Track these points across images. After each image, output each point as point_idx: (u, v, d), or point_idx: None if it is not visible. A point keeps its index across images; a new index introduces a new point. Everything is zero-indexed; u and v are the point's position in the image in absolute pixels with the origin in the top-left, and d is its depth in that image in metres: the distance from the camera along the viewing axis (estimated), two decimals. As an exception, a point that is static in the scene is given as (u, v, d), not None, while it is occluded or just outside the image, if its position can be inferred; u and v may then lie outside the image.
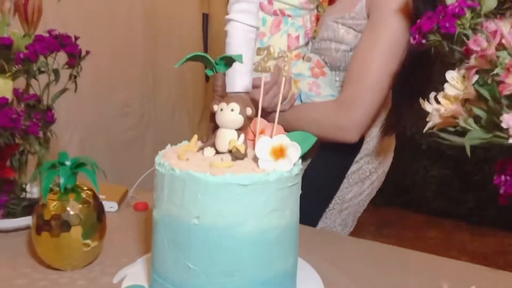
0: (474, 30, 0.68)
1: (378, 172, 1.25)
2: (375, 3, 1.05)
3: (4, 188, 0.93)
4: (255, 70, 0.76)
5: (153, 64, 2.60)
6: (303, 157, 1.18)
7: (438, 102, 0.74)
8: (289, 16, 1.09)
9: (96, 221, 0.83)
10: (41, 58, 0.92)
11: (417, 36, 0.72)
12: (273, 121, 0.74)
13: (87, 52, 0.97)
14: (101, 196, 0.98)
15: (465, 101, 0.74)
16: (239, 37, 0.97)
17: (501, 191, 0.70)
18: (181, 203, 0.66)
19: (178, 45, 2.74)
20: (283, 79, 0.74)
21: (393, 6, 1.01)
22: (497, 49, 0.65)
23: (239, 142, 0.71)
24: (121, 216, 1.09)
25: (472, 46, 0.66)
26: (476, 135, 0.73)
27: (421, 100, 0.76)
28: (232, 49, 0.98)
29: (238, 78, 0.95)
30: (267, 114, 1.03)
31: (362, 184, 1.23)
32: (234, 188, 0.64)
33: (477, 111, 0.72)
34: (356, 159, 1.19)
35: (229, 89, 0.96)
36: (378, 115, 1.14)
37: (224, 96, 0.94)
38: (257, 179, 0.65)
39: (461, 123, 0.74)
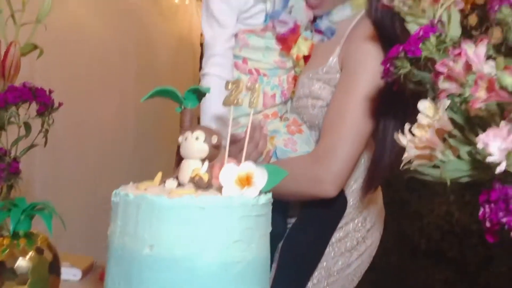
0: (441, 54, 0.67)
1: (366, 243, 1.17)
2: (347, 55, 1.06)
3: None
4: (224, 104, 0.74)
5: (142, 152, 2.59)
6: (286, 215, 1.11)
7: (413, 134, 0.72)
8: (264, 75, 1.10)
9: (47, 273, 0.75)
10: (12, 108, 0.91)
11: (384, 68, 0.72)
12: None
13: (60, 104, 0.96)
14: (64, 263, 0.90)
15: (442, 134, 0.71)
16: (215, 91, 0.97)
17: (487, 225, 0.64)
18: (135, 231, 0.60)
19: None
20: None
21: (365, 56, 1.02)
22: (465, 72, 0.64)
23: (203, 170, 0.66)
24: (84, 285, 0.99)
25: (439, 68, 0.65)
26: (453, 167, 0.69)
27: (395, 134, 0.73)
28: (207, 103, 0.98)
29: (212, 123, 0.94)
30: None
31: (349, 255, 1.14)
32: (192, 211, 0.59)
33: (452, 141, 0.69)
34: (341, 224, 1.12)
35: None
36: (356, 169, 1.10)
37: None
38: (219, 202, 0.60)
39: (439, 156, 0.71)
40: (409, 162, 0.72)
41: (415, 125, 0.71)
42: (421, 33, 0.66)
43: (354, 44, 1.05)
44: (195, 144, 0.68)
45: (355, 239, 1.15)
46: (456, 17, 0.69)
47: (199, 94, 0.74)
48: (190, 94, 0.74)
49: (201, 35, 3.35)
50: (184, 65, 2.89)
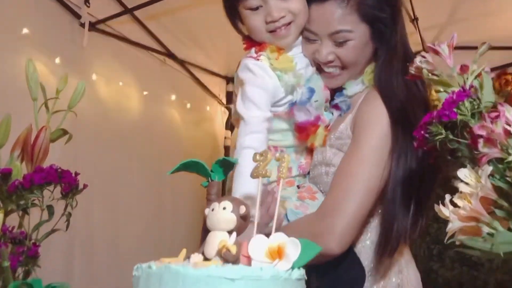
0: (476, 120, 0.65)
1: None
2: (357, 121, 1.08)
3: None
4: (252, 176, 0.71)
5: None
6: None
7: (454, 205, 0.67)
8: (282, 151, 1.11)
9: None
10: (36, 191, 0.90)
11: (418, 136, 0.69)
12: None
13: (85, 186, 0.95)
14: None
15: (486, 204, 0.66)
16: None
17: None
18: (156, 307, 0.55)
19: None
20: (281, 180, 0.69)
21: (371, 120, 1.04)
22: (506, 135, 0.61)
23: (230, 242, 0.62)
24: None
25: (478, 131, 0.62)
26: (505, 239, 0.63)
27: (436, 207, 0.68)
28: (242, 179, 0.98)
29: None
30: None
31: None
32: (219, 282, 0.54)
33: (499, 212, 0.64)
34: None
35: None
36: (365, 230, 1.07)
37: None
38: (249, 273, 0.54)
39: (485, 229, 0.65)
40: (453, 235, 0.67)
41: (457, 195, 0.67)
42: (454, 96, 0.64)
43: (362, 111, 1.09)
44: (222, 214, 0.64)
45: None
46: (488, 84, 0.68)
47: (226, 167, 0.72)
48: (218, 167, 0.72)
49: (225, 138, 3.42)
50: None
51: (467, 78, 0.71)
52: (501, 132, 0.60)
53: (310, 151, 1.15)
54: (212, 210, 0.65)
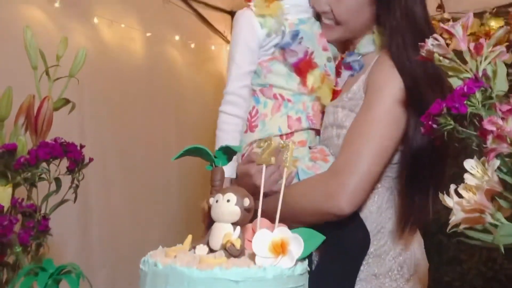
0: (487, 111, 0.63)
1: None
2: (370, 83, 1.06)
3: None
4: (257, 163, 0.71)
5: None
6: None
7: (459, 195, 0.67)
8: (289, 100, 1.13)
9: None
10: (43, 165, 0.91)
11: (426, 124, 0.67)
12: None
13: (90, 159, 0.95)
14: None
15: (490, 194, 0.66)
16: (227, 127, 1.10)
17: None
18: (163, 305, 0.57)
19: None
20: (285, 169, 0.69)
21: (384, 82, 1.03)
22: (516, 130, 0.60)
23: (234, 236, 0.63)
24: None
25: (487, 126, 0.60)
26: (507, 231, 0.64)
27: (440, 195, 0.68)
28: (220, 140, 1.07)
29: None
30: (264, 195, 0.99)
31: None
32: (224, 284, 0.55)
33: (503, 203, 0.64)
34: (374, 271, 1.06)
35: None
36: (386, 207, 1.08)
37: None
38: (252, 275, 0.56)
39: (488, 219, 0.65)
40: (457, 225, 0.67)
41: (462, 186, 0.66)
42: (465, 88, 0.62)
43: (376, 73, 1.08)
44: (226, 207, 0.65)
45: None
46: (502, 71, 0.65)
47: (229, 154, 0.72)
48: (221, 154, 0.72)
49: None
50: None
51: (480, 62, 0.68)
52: (511, 129, 0.58)
53: (318, 101, 1.15)
54: (216, 201, 0.66)
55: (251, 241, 0.69)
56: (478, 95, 0.63)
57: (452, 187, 0.67)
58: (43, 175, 0.91)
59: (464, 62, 0.70)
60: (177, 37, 2.73)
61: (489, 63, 0.67)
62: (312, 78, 1.11)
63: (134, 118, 2.38)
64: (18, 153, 0.91)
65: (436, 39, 0.68)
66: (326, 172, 1.05)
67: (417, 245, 1.13)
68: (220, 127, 1.13)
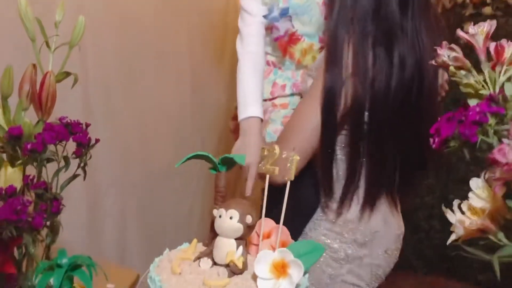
0: (499, 135, 0.60)
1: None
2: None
3: (4, 285, 0.89)
4: (259, 171, 0.71)
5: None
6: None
7: (462, 211, 0.66)
8: (279, 68, 1.17)
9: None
10: (50, 147, 0.91)
11: (436, 139, 0.65)
12: None
13: (97, 140, 0.95)
14: (109, 285, 0.93)
15: (493, 214, 0.65)
16: (250, 68, 1.11)
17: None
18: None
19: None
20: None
21: None
22: (527, 159, 0.58)
23: (237, 255, 0.65)
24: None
25: (497, 156, 0.58)
26: (508, 252, 0.64)
27: (443, 208, 0.68)
28: (242, 80, 1.09)
29: (251, 105, 1.04)
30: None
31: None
32: (226, 313, 0.58)
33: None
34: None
35: (242, 116, 1.04)
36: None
37: (225, 197, 0.90)
38: (253, 302, 0.58)
39: (491, 237, 0.66)
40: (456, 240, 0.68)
41: (465, 203, 0.66)
42: (478, 117, 0.59)
43: None
44: (229, 224, 0.66)
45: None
46: (520, 91, 0.61)
47: (230, 164, 0.72)
48: (223, 162, 0.71)
49: None
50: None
51: (499, 74, 0.63)
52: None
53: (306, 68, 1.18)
54: (220, 217, 0.67)
55: (256, 245, 0.72)
56: (492, 120, 0.59)
57: (456, 202, 0.67)
58: (51, 156, 0.92)
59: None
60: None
61: (509, 79, 0.62)
62: (296, 52, 1.15)
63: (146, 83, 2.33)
64: (24, 136, 0.91)
65: (452, 48, 0.64)
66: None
67: (379, 218, 1.13)
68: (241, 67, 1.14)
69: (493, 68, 0.66)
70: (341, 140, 1.06)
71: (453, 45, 0.64)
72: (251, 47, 1.11)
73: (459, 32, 0.64)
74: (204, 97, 2.56)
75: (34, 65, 1.00)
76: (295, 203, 1.06)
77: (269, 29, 1.15)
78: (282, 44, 1.15)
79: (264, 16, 1.12)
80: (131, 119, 2.25)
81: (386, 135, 1.03)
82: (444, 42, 0.65)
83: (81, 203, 1.88)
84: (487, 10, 2.78)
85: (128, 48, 2.24)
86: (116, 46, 2.19)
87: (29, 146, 0.88)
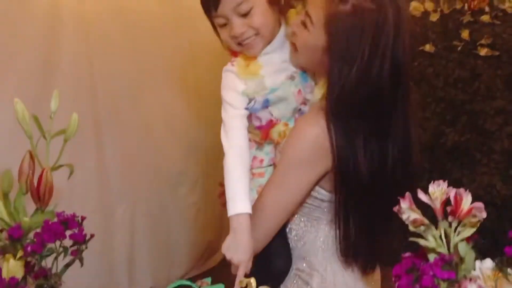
0: None
1: None
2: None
3: None
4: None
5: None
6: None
7: None
8: (260, 144, 1.23)
9: None
10: (49, 246, 0.98)
11: (397, 283, 0.72)
12: None
13: (92, 236, 1.02)
14: None
15: None
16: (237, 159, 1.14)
17: None
18: None
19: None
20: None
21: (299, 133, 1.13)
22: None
23: None
24: None
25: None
26: None
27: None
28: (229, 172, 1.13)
29: (240, 201, 1.09)
30: None
31: None
32: None
33: None
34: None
35: (231, 212, 1.08)
36: None
37: None
38: None
39: None
40: None
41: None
42: (430, 283, 0.65)
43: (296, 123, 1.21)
44: None
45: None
46: (471, 255, 0.67)
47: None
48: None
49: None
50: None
51: (455, 234, 0.69)
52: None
53: None
54: None
55: None
56: (443, 286, 0.66)
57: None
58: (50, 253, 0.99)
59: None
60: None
61: (462, 240, 0.68)
62: (274, 134, 1.20)
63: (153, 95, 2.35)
64: (24, 234, 0.98)
65: (413, 209, 0.69)
66: None
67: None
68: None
69: (452, 214, 0.71)
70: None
71: (413, 206, 0.69)
72: (237, 140, 1.14)
73: (419, 194, 0.69)
74: (210, 108, 2.62)
75: (30, 152, 1.06)
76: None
77: (249, 117, 1.19)
78: (264, 132, 1.20)
79: (246, 108, 1.17)
80: (138, 130, 2.32)
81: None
82: (407, 194, 0.71)
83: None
84: (485, 18, 2.76)
85: (135, 61, 2.28)
86: (123, 58, 2.23)
87: (29, 249, 0.95)
